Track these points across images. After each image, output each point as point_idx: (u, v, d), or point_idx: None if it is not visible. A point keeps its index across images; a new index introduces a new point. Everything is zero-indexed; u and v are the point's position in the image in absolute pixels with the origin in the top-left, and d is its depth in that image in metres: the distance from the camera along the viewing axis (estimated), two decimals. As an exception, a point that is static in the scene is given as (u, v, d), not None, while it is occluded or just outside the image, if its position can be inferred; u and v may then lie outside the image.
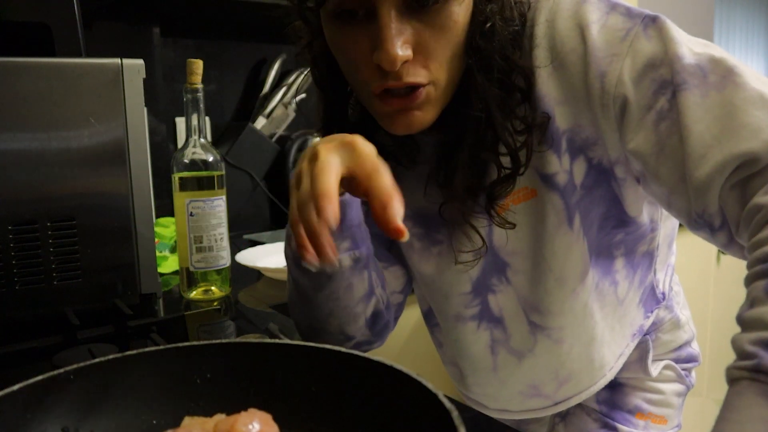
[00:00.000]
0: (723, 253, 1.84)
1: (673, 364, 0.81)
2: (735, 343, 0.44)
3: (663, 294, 0.77)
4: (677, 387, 0.82)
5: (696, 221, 0.54)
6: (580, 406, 0.83)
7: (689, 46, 0.54)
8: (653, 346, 0.79)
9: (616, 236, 0.69)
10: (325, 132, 0.71)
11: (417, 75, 0.57)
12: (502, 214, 0.65)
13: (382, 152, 0.56)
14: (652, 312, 0.76)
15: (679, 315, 0.81)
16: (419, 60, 0.57)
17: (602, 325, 0.73)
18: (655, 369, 0.79)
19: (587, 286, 0.69)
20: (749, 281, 0.46)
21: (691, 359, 0.83)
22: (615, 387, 0.80)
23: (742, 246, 0.52)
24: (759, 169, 0.49)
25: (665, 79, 0.54)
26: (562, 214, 0.64)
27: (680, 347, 0.82)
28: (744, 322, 0.44)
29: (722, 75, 0.52)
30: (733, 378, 0.43)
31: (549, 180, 0.63)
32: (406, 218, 0.73)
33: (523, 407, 0.80)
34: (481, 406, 0.84)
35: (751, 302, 0.45)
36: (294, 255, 0.66)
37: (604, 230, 0.68)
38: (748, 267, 0.47)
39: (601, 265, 0.70)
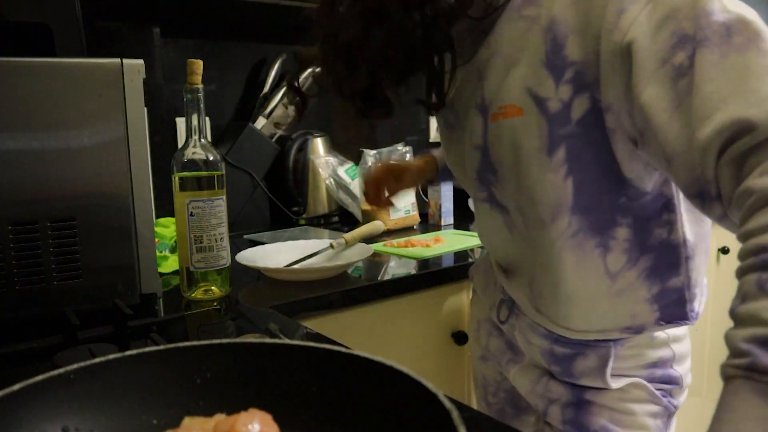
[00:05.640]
0: (723, 252, 1.84)
1: (643, 383, 0.75)
2: (728, 340, 0.44)
3: (696, 314, 0.72)
4: (650, 408, 0.76)
5: (694, 185, 0.53)
6: (549, 425, 0.81)
7: (723, 3, 0.53)
8: (615, 357, 0.74)
9: (619, 198, 0.67)
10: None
11: None
12: (494, 122, 0.70)
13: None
14: (671, 323, 0.72)
15: (653, 332, 0.75)
16: None
17: (576, 285, 0.71)
18: (616, 382, 0.75)
19: (558, 226, 0.68)
20: (741, 274, 0.46)
21: (671, 381, 0.76)
22: (581, 405, 0.77)
23: (735, 223, 0.51)
24: (755, 144, 0.47)
25: (686, 33, 0.53)
26: (544, 140, 0.65)
27: (653, 366, 0.76)
28: (737, 318, 0.44)
29: (748, 37, 0.51)
30: (727, 376, 0.43)
31: (540, 103, 0.64)
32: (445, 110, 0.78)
33: (523, 298, 0.82)
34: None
35: (743, 297, 0.44)
36: None
37: (605, 186, 0.67)
38: (740, 258, 0.46)
39: (592, 221, 0.68)
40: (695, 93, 0.51)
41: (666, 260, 0.70)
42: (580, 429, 0.77)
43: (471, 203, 1.02)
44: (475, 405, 1.20)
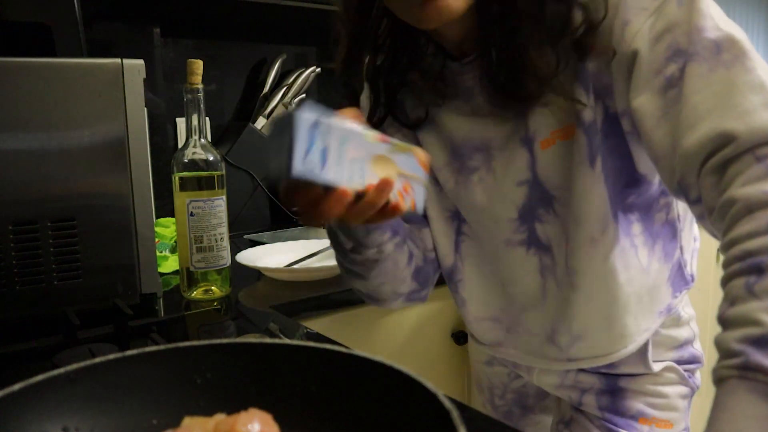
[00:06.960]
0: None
1: (675, 365, 0.79)
2: (720, 343, 0.44)
3: (692, 276, 0.77)
4: (681, 389, 0.79)
5: (678, 185, 0.55)
6: (582, 413, 0.82)
7: (716, 22, 0.55)
8: (652, 342, 0.77)
9: (629, 197, 0.69)
10: (345, 66, 0.71)
11: None
12: (546, 149, 0.67)
13: (415, 90, 0.69)
14: (680, 292, 0.76)
15: (680, 311, 0.79)
16: None
17: (628, 291, 0.71)
18: (655, 366, 0.78)
19: (608, 238, 0.68)
20: (727, 280, 0.46)
21: (694, 360, 0.81)
22: (616, 392, 0.79)
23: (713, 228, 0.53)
24: (737, 154, 0.49)
25: (680, 47, 0.55)
26: (585, 151, 0.65)
27: (681, 347, 0.80)
28: (727, 321, 0.45)
29: (735, 54, 0.53)
30: (721, 377, 0.43)
31: (579, 116, 0.64)
32: (443, 162, 0.76)
33: (541, 354, 0.78)
34: (502, 350, 0.83)
35: (732, 300, 0.45)
36: (343, 249, 0.74)
37: (618, 186, 0.68)
38: (725, 266, 0.47)
39: (621, 223, 0.69)
40: (683, 103, 0.54)
41: (669, 238, 0.73)
42: (618, 414, 0.79)
43: (454, 271, 0.82)
44: (474, 405, 1.20)
